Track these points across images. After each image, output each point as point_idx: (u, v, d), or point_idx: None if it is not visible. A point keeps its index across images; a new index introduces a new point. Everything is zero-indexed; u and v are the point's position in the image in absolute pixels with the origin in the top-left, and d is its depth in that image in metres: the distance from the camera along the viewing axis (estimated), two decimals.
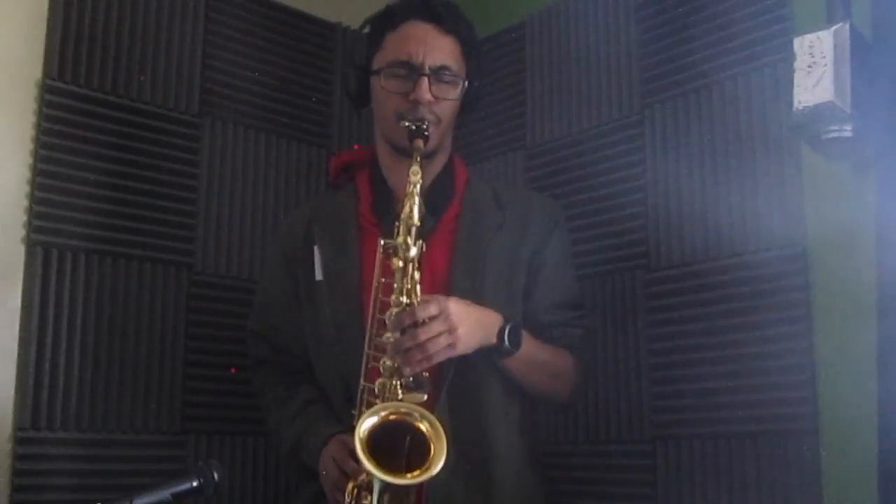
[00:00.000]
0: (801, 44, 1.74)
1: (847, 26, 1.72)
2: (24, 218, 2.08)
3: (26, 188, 2.09)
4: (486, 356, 1.76)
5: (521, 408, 1.87)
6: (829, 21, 1.74)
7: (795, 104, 1.74)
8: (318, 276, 1.87)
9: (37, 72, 2.14)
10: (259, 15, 2.56)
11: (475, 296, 1.78)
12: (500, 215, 1.89)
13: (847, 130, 1.74)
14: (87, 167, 2.17)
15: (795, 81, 1.74)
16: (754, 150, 2.02)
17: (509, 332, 1.73)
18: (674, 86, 2.19)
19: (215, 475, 1.46)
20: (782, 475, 1.88)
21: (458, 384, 1.76)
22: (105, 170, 2.21)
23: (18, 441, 2.01)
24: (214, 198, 2.40)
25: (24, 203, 2.09)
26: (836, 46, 1.71)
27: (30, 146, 2.11)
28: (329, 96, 2.68)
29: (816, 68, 1.72)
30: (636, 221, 2.23)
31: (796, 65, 1.75)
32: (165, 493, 1.40)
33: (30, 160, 2.11)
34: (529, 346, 1.79)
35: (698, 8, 2.17)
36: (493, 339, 1.73)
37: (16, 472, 1.99)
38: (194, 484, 1.44)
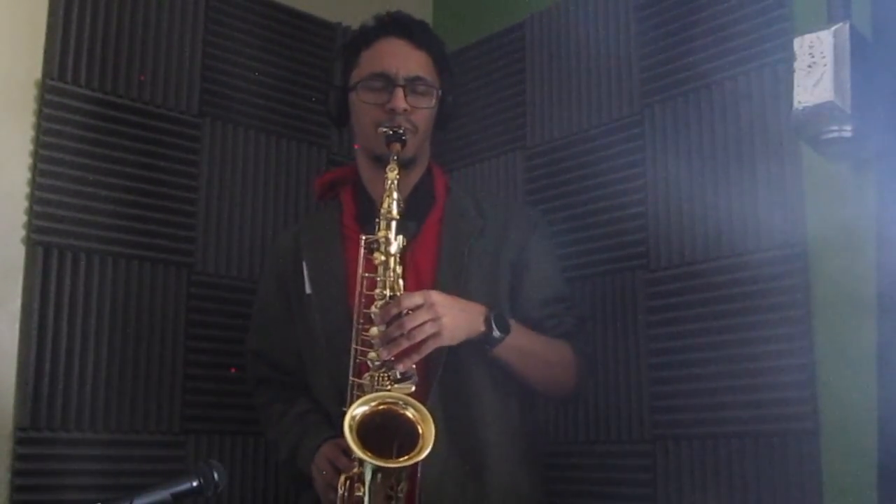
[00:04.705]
0: (801, 44, 1.74)
1: (847, 26, 1.71)
2: (24, 218, 2.08)
3: (26, 188, 2.09)
4: (477, 348, 1.78)
5: (517, 408, 1.89)
6: (829, 21, 1.74)
7: (795, 104, 1.74)
8: (308, 289, 1.92)
9: (37, 72, 2.14)
10: (259, 15, 2.56)
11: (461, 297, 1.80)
12: (481, 222, 1.93)
13: (847, 130, 1.74)
14: (87, 167, 2.17)
15: (795, 81, 1.74)
16: (754, 150, 2.02)
17: (495, 318, 1.76)
18: (674, 86, 2.19)
19: (215, 475, 1.46)
20: (782, 475, 1.88)
21: (449, 382, 1.79)
22: (105, 170, 2.21)
23: (18, 441, 2.01)
24: (214, 198, 2.40)
25: (24, 203, 2.09)
26: (836, 46, 1.71)
27: (30, 146, 2.11)
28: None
29: (816, 68, 1.71)
30: (636, 221, 2.23)
31: (796, 65, 1.74)
32: (165, 493, 1.40)
33: (30, 160, 2.11)
34: (522, 336, 1.82)
35: (698, 8, 2.17)
36: (481, 327, 1.76)
37: (16, 472, 1.99)
38: (194, 484, 1.44)
